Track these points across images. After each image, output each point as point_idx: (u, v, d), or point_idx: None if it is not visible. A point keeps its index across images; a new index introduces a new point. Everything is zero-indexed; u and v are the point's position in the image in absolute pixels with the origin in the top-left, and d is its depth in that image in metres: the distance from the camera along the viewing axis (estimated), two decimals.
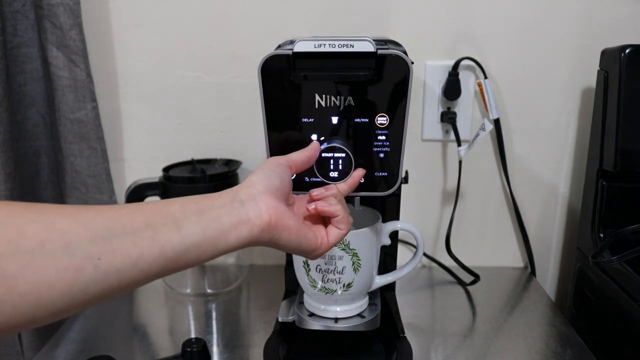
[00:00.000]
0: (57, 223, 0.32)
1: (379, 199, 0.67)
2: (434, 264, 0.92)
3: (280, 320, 0.65)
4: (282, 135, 0.53)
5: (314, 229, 0.46)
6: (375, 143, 0.53)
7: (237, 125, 0.88)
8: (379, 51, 0.49)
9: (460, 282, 0.87)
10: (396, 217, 0.68)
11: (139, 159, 0.91)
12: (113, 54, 0.86)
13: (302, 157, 0.49)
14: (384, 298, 0.71)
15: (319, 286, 0.61)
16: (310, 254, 0.45)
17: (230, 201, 0.40)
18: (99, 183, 0.88)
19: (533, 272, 0.91)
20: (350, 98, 0.51)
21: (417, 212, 0.91)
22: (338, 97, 0.51)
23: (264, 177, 0.43)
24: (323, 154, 0.52)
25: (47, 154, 0.89)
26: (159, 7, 0.84)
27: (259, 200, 0.41)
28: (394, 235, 0.65)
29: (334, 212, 0.46)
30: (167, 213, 0.37)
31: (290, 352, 0.65)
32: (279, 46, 0.54)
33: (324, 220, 0.48)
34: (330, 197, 0.47)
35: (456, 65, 0.82)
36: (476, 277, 0.85)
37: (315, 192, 0.47)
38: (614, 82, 0.69)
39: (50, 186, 0.91)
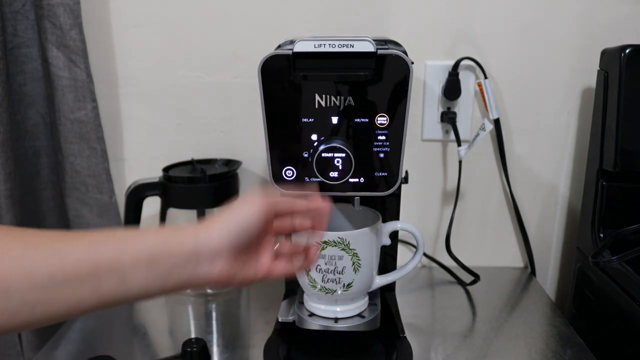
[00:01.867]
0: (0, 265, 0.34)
1: (379, 199, 0.67)
2: (434, 264, 0.92)
3: (280, 320, 0.65)
4: (282, 135, 0.53)
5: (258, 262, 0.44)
6: (375, 143, 0.53)
7: (237, 125, 0.88)
8: (379, 51, 0.49)
9: (460, 282, 0.87)
10: (396, 217, 0.68)
11: (139, 159, 0.91)
12: (113, 54, 0.86)
13: (298, 205, 0.45)
14: (384, 298, 0.71)
15: (319, 286, 0.61)
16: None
17: (187, 258, 0.39)
18: (99, 183, 0.88)
19: (533, 272, 0.91)
20: (350, 98, 0.51)
21: (417, 212, 0.91)
22: (338, 97, 0.51)
23: (230, 235, 0.40)
24: (323, 154, 0.52)
25: (47, 154, 0.89)
26: (159, 7, 0.84)
27: (216, 262, 0.40)
28: (394, 235, 0.65)
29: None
30: (115, 263, 0.37)
31: (290, 352, 0.65)
32: (279, 46, 0.54)
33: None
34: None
35: (456, 65, 0.82)
36: (476, 277, 0.85)
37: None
38: (614, 82, 0.69)
39: (50, 186, 0.91)
